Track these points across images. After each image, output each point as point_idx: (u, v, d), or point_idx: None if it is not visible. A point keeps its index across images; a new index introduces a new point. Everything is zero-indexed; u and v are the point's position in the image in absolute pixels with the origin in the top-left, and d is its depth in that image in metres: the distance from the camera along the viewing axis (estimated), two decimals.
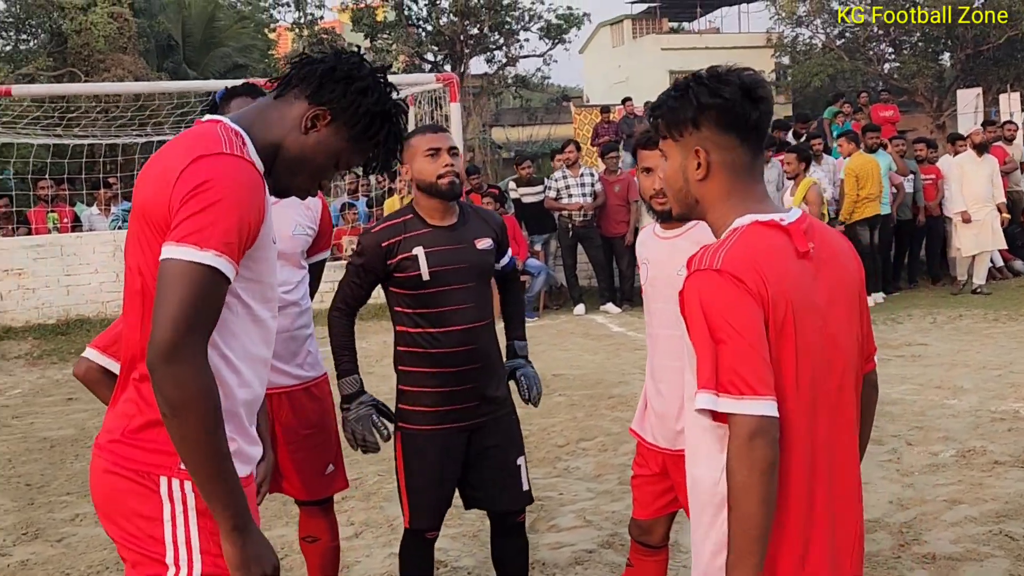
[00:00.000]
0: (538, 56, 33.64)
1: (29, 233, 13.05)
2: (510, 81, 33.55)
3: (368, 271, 3.75)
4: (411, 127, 13.85)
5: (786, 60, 36.35)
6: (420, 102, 13.09)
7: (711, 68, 2.24)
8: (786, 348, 2.11)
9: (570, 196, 12.79)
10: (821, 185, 10.94)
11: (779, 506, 2.08)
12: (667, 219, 3.55)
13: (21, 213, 13.42)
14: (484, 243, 3.80)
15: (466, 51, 31.47)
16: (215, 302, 2.11)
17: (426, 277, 3.65)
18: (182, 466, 2.16)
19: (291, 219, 3.70)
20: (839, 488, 2.23)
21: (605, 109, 19.58)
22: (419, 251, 3.66)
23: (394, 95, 2.39)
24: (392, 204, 13.02)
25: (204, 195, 2.08)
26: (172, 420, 2.06)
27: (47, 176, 13.52)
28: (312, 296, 3.94)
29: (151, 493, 2.20)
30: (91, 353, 3.16)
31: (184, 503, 2.20)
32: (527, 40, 37.93)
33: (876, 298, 12.60)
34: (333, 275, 8.83)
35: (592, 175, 12.87)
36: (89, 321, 12.33)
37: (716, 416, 2.07)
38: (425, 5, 31.19)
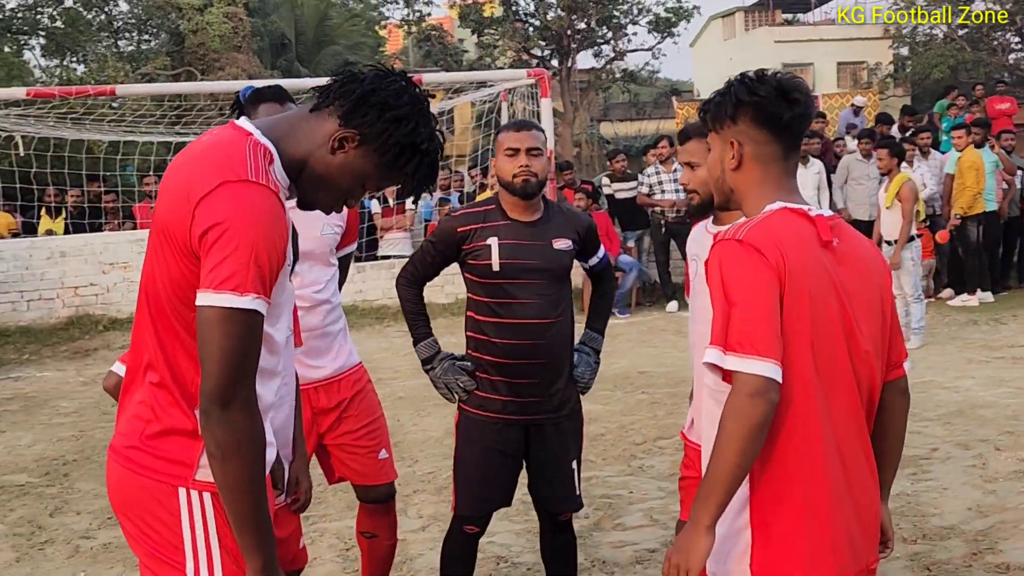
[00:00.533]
0: (646, 50, 33.42)
1: (135, 228, 13.49)
2: (618, 76, 33.37)
3: (439, 251, 3.88)
4: (504, 123, 13.93)
5: (904, 51, 35.28)
6: (513, 98, 13.11)
7: (758, 70, 2.44)
8: (803, 323, 2.22)
9: (663, 192, 12.66)
10: (922, 181, 10.60)
11: (799, 475, 2.22)
12: (698, 213, 3.58)
13: (128, 208, 13.90)
14: (562, 243, 3.83)
15: (573, 46, 31.42)
16: (257, 342, 2.13)
17: (496, 267, 3.74)
18: (198, 477, 2.22)
19: (318, 219, 3.74)
20: (853, 473, 2.33)
21: None
22: (493, 241, 3.76)
23: (430, 126, 2.31)
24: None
25: (231, 237, 2.07)
26: (221, 463, 2.10)
27: (151, 172, 13.92)
28: (340, 287, 4.00)
29: (171, 499, 2.24)
30: (119, 368, 3.18)
31: (203, 513, 2.24)
32: (635, 34, 37.64)
33: (984, 297, 12.17)
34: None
35: None
36: None
37: (724, 376, 2.20)
38: (532, 0, 31.26)
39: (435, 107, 13.13)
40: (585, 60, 33.27)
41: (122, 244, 13.02)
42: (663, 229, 12.82)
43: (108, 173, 14.68)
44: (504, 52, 31.52)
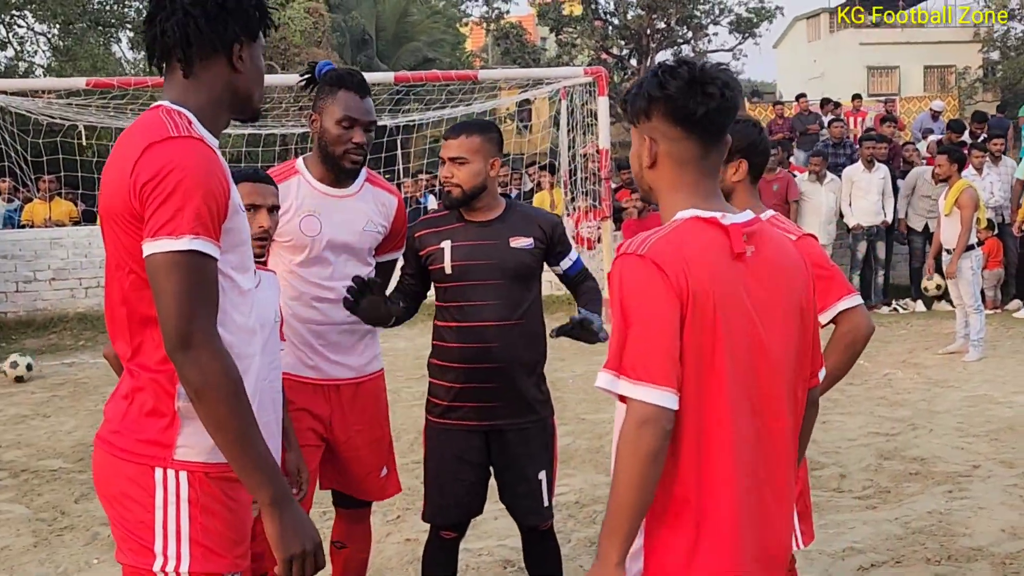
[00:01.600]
0: (727, 51, 33.04)
1: None
2: None
3: (408, 262, 3.82)
4: (563, 120, 13.91)
5: (995, 55, 34.35)
6: (572, 96, 13.04)
7: (676, 59, 2.26)
8: (710, 343, 2.10)
9: None
10: (989, 189, 10.28)
11: (697, 491, 2.11)
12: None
13: None
14: (521, 241, 3.71)
15: (652, 45, 31.21)
16: (208, 282, 2.17)
17: (448, 270, 3.67)
18: (176, 456, 2.24)
19: (364, 214, 3.67)
20: (768, 497, 2.20)
21: (778, 104, 19.01)
22: (446, 244, 3.69)
23: None
24: (542, 198, 13.04)
25: (163, 184, 2.13)
26: (199, 405, 2.14)
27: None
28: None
29: (147, 480, 2.26)
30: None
31: (177, 494, 2.25)
32: (715, 34, 37.12)
33: None
34: None
35: None
36: None
37: (621, 397, 2.10)
38: None
39: (500, 102, 13.17)
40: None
41: None
42: None
43: None
44: (582, 51, 31.44)
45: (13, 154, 10.82)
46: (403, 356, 10.13)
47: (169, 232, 2.11)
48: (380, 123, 15.61)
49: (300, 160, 3.67)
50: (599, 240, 12.10)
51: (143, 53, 28.51)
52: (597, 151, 11.38)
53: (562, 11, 31.54)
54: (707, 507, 2.11)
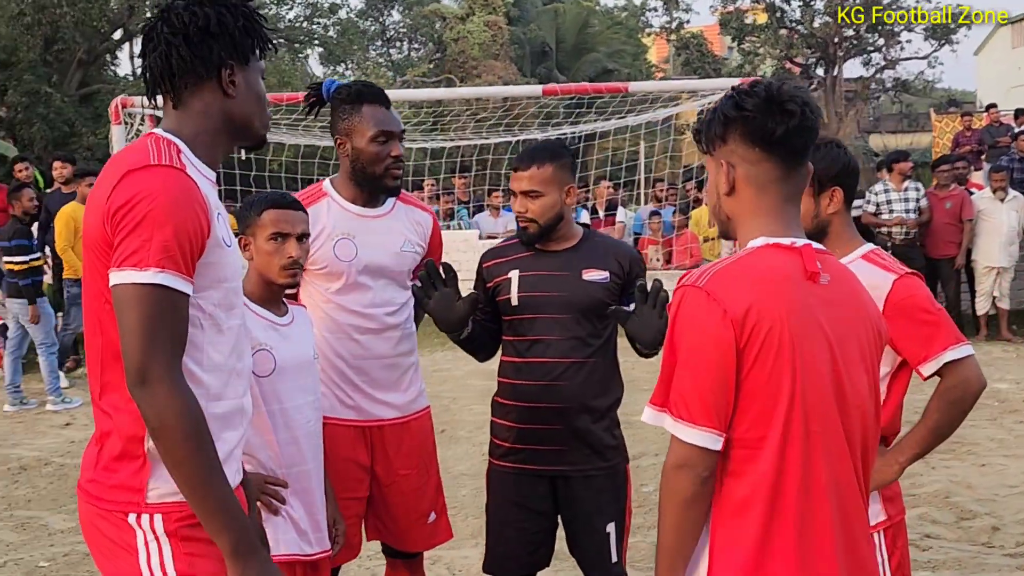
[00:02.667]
0: (921, 58, 31.54)
1: None
2: (888, 85, 31.67)
3: (480, 293, 3.54)
4: None
5: None
6: None
7: (753, 79, 2.21)
8: (786, 376, 1.99)
9: (891, 211, 11.79)
10: None
11: (765, 536, 2.00)
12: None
13: None
14: (595, 274, 3.40)
15: (840, 54, 30.11)
16: (173, 318, 2.08)
17: (514, 302, 3.41)
18: (149, 499, 2.16)
19: (400, 234, 3.46)
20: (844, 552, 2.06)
21: (966, 115, 17.86)
22: (514, 274, 3.43)
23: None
24: (700, 214, 12.66)
25: (132, 213, 2.06)
26: (158, 443, 2.07)
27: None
28: (418, 321, 3.62)
29: (124, 527, 2.19)
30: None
31: (153, 528, 2.17)
32: (909, 41, 35.43)
33: None
34: None
35: (918, 189, 11.77)
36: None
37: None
38: (799, 6, 30.19)
39: (655, 115, 12.88)
40: (853, 69, 31.78)
41: None
42: (889, 250, 11.90)
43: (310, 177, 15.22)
44: (764, 60, 30.64)
45: None
46: (470, 387, 9.10)
47: (134, 263, 2.04)
48: (560, 133, 15.65)
49: (327, 182, 3.47)
50: None
51: (330, 68, 29.83)
52: None
53: (745, 20, 30.84)
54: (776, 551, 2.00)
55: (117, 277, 2.06)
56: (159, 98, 2.31)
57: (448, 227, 13.32)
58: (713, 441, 1.97)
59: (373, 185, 3.38)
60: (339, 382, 3.40)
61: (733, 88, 2.15)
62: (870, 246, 2.94)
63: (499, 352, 3.58)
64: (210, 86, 2.24)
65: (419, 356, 3.69)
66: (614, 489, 3.46)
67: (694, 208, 12.79)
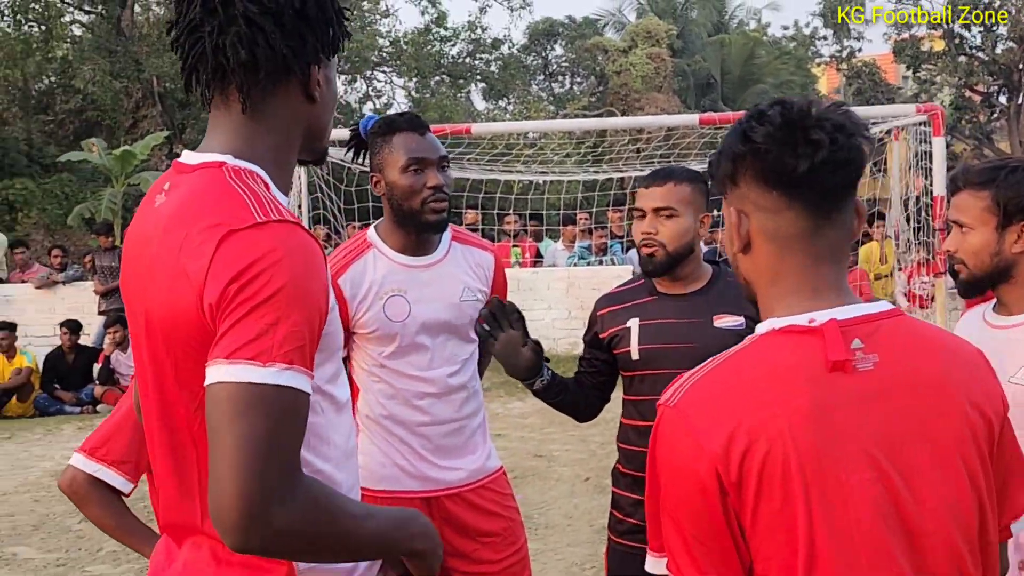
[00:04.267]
0: None
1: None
2: None
3: (590, 345, 3.16)
4: (895, 165, 12.66)
5: None
6: (907, 138, 11.81)
7: (769, 102, 1.59)
8: (791, 508, 1.45)
9: None
10: None
11: None
12: (968, 294, 2.66)
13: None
14: (729, 320, 2.96)
15: None
16: (295, 427, 1.55)
17: (635, 356, 2.99)
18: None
19: (458, 281, 3.05)
20: None
21: None
22: (633, 323, 3.00)
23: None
24: (869, 250, 11.92)
25: (249, 289, 1.52)
26: (300, 560, 1.65)
27: (511, 211, 14.08)
28: (482, 372, 3.24)
29: None
30: (77, 460, 2.60)
31: None
32: None
33: None
34: None
35: None
36: None
37: None
38: (979, 32, 28.69)
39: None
40: None
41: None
42: None
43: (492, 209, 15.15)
44: (941, 88, 29.22)
45: (328, 202, 11.31)
46: (571, 450, 8.37)
47: (253, 356, 1.50)
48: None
49: (371, 230, 3.08)
50: (932, 299, 10.83)
51: (492, 103, 30.02)
52: (930, 197, 10.22)
53: (921, 47, 29.51)
54: None
55: (223, 373, 1.50)
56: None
57: (600, 262, 12.98)
58: None
59: (414, 223, 2.96)
60: (400, 450, 3.01)
61: (746, 113, 1.62)
62: None
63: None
64: (292, 87, 1.74)
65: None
66: None
67: (863, 244, 12.04)
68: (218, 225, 1.56)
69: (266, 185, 1.70)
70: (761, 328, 1.58)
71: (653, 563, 1.62)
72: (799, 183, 1.52)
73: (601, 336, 3.09)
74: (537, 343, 2.97)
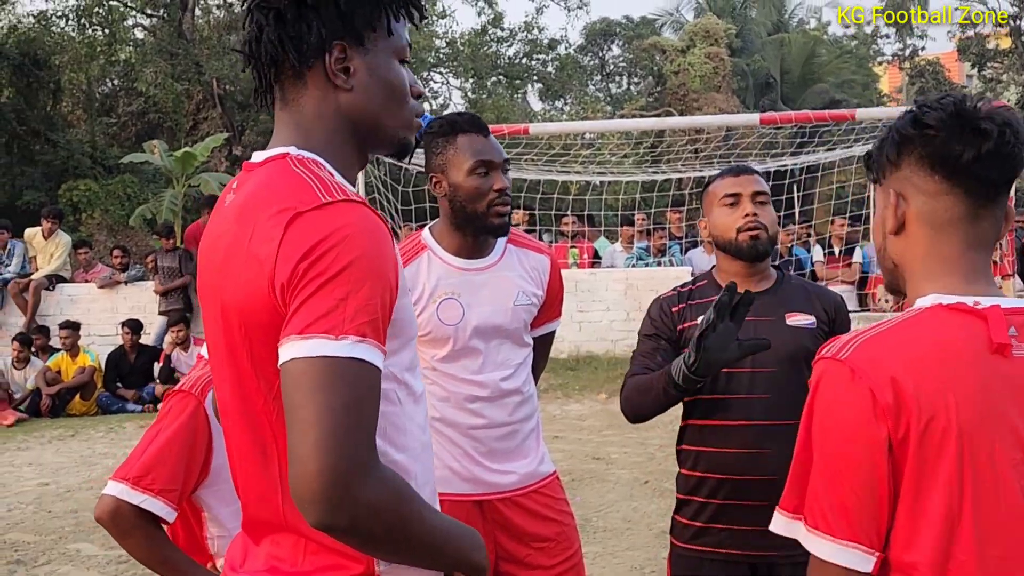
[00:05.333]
0: None
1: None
2: None
3: (663, 341, 3.05)
4: None
5: None
6: None
7: (940, 93, 1.81)
8: (941, 480, 1.54)
9: None
10: None
11: None
12: None
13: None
14: (800, 318, 2.92)
15: None
16: (372, 400, 1.52)
17: None
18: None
19: (513, 285, 3.01)
20: None
21: None
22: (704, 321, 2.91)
23: None
24: None
25: (319, 265, 1.51)
26: (376, 554, 1.61)
27: (569, 212, 13.92)
28: (537, 377, 3.18)
29: None
30: (118, 489, 2.50)
31: None
32: None
33: None
34: None
35: None
36: (597, 359, 12.16)
37: None
38: None
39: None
40: None
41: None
42: None
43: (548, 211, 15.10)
44: (1008, 86, 28.66)
45: (385, 203, 11.34)
46: (630, 452, 8.13)
47: (326, 330, 1.48)
48: (781, 165, 14.93)
49: (426, 231, 3.04)
50: None
51: (549, 103, 30.03)
52: None
53: (986, 45, 28.98)
54: None
55: (297, 349, 1.48)
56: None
57: (659, 264, 12.86)
58: (860, 560, 1.55)
59: (476, 226, 2.93)
60: (452, 452, 2.96)
61: (916, 101, 1.74)
62: None
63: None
64: (315, 77, 1.70)
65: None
66: None
67: None
68: (285, 209, 1.56)
69: (330, 172, 1.68)
70: (924, 301, 1.64)
71: (785, 524, 1.66)
72: (962, 170, 1.63)
73: (679, 328, 3.02)
74: (755, 344, 2.79)
